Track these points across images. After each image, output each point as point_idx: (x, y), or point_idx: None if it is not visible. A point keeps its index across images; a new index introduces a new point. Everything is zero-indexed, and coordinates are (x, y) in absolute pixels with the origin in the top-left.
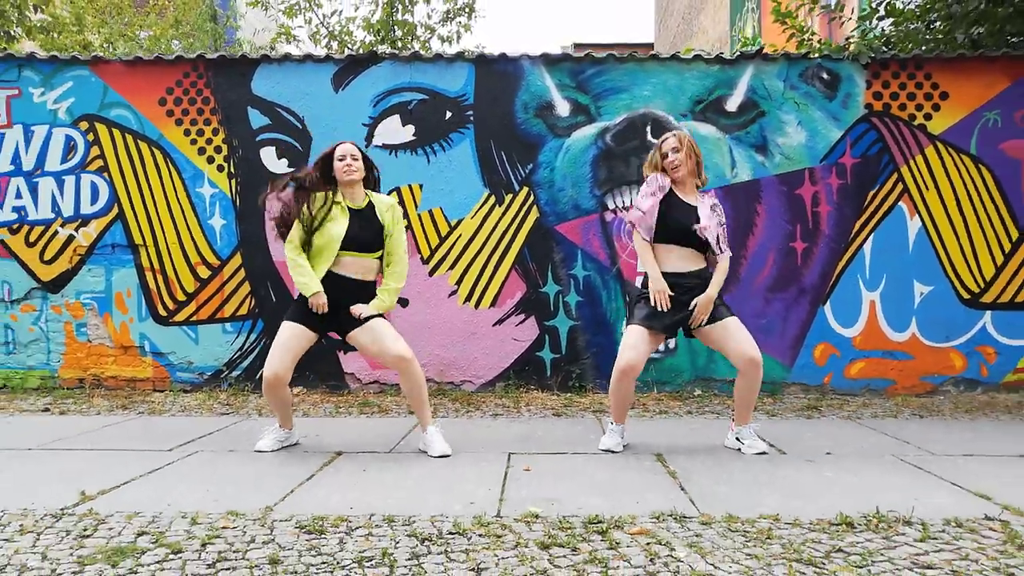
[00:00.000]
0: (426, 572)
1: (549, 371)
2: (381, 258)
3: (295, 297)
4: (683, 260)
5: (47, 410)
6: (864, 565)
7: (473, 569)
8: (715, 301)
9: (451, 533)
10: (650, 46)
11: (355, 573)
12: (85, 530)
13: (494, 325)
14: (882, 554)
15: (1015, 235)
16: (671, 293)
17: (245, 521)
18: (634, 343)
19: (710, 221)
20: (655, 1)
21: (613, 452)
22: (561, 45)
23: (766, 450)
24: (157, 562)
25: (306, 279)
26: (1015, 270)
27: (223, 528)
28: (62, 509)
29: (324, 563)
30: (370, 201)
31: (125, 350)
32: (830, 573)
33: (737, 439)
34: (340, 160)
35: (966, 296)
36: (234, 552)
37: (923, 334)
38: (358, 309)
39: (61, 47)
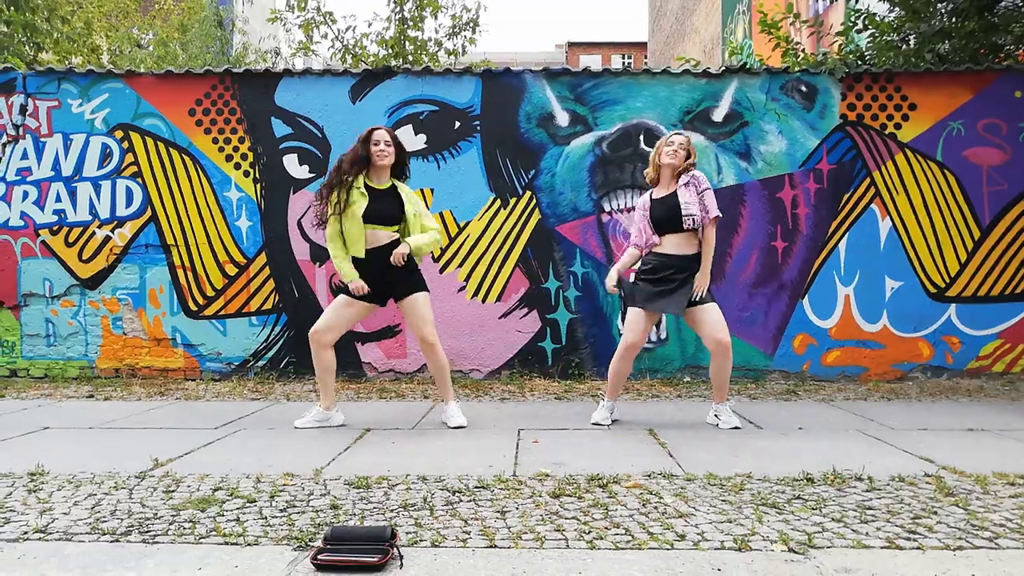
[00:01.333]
0: (459, 513)
1: (551, 360)
2: (401, 231)
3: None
4: (677, 245)
5: (91, 396)
6: (818, 507)
7: (498, 511)
8: (709, 288)
9: (476, 487)
10: (643, 46)
11: (402, 515)
12: (168, 487)
13: (500, 318)
14: (834, 500)
15: (977, 234)
16: (667, 272)
17: (301, 480)
18: (635, 323)
19: (690, 198)
20: (648, 1)
21: (601, 425)
22: (555, 44)
23: (740, 425)
24: (237, 508)
25: (345, 268)
26: (977, 266)
27: (284, 485)
28: (142, 472)
29: (375, 508)
30: (393, 184)
31: (158, 342)
32: (789, 512)
33: (715, 415)
34: (375, 144)
35: (933, 290)
36: (299, 501)
37: (893, 325)
38: (401, 250)
39: (73, 53)
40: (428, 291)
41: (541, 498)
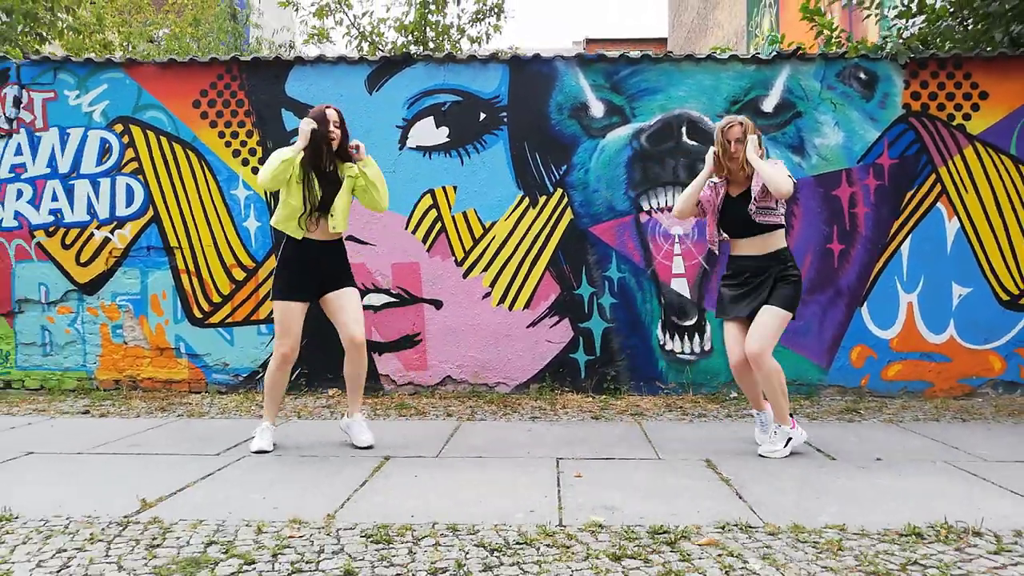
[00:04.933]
0: None
1: (584, 373)
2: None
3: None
4: (752, 247)
5: (87, 412)
6: None
7: None
8: (781, 281)
9: (518, 543)
10: (664, 41)
11: None
12: (154, 539)
13: (528, 327)
14: (959, 567)
15: None
16: (745, 275)
17: (310, 530)
18: (730, 340)
19: (756, 185)
20: None
21: (767, 458)
22: (573, 40)
23: (784, 454)
24: (232, 573)
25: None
26: None
27: (290, 537)
28: (126, 517)
29: (399, 575)
30: (335, 167)
31: (161, 352)
32: None
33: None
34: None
35: (1005, 298)
36: (306, 563)
37: (961, 336)
38: (357, 143)
39: (83, 48)
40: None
41: (599, 560)
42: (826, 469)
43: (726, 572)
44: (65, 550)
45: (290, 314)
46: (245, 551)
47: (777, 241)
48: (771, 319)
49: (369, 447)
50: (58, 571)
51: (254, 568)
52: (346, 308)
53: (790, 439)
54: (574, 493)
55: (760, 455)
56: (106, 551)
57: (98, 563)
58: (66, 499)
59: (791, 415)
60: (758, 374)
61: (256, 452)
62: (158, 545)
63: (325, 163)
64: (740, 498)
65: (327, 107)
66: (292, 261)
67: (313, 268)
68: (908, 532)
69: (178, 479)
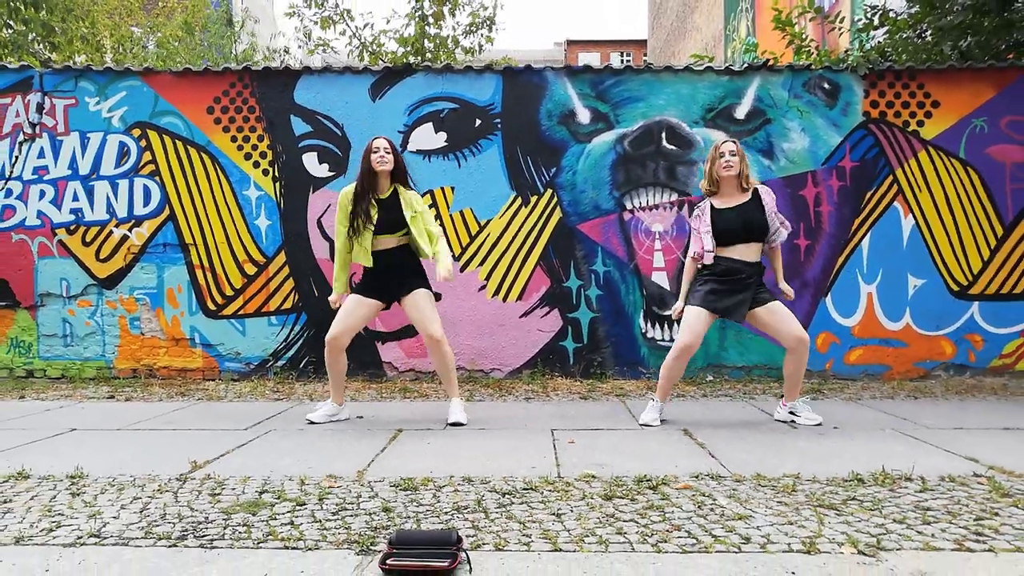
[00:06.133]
0: (515, 516)
1: (572, 359)
2: (407, 234)
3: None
4: (741, 254)
5: (112, 397)
6: (876, 509)
7: (553, 514)
8: (759, 287)
9: (524, 489)
10: (643, 43)
11: (457, 517)
12: (213, 490)
13: (521, 317)
14: (890, 501)
15: (1000, 232)
16: (740, 276)
17: (346, 482)
18: (692, 324)
19: (771, 214)
20: None
21: (650, 426)
22: (555, 42)
23: (821, 421)
24: (288, 511)
25: (338, 284)
26: (1000, 264)
27: (330, 488)
28: (182, 474)
29: (428, 511)
30: (395, 190)
31: (176, 342)
32: (848, 514)
33: (791, 413)
34: (374, 152)
35: (955, 288)
36: (348, 504)
37: (916, 323)
38: (442, 272)
39: (78, 53)
40: (431, 289)
41: (594, 500)
42: (789, 436)
43: (699, 506)
44: (139, 498)
45: (349, 305)
46: (295, 496)
47: (760, 252)
48: (786, 310)
49: (459, 424)
50: (140, 511)
51: (306, 508)
52: (419, 307)
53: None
54: (569, 455)
55: (795, 423)
56: (175, 498)
57: (172, 507)
58: (124, 462)
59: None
60: (803, 354)
61: (310, 422)
62: (218, 494)
63: (378, 189)
64: (712, 456)
65: (376, 138)
66: (367, 272)
67: (384, 276)
68: (852, 479)
69: (217, 448)
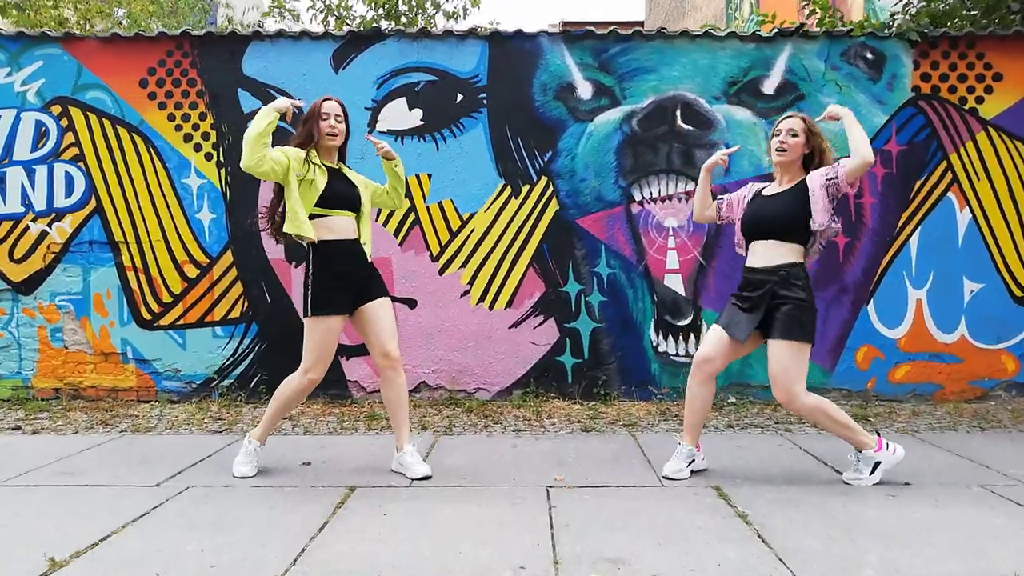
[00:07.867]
0: None
1: (571, 377)
2: (358, 220)
3: (307, 287)
4: (760, 256)
5: (18, 428)
6: None
7: None
8: (792, 314)
9: None
10: (640, 24)
11: None
12: None
13: (510, 328)
14: None
15: None
16: (748, 290)
17: None
18: (709, 338)
19: (823, 203)
20: None
21: (674, 480)
22: (549, 23)
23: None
24: None
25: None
26: None
27: None
28: None
29: None
30: (340, 168)
31: (105, 357)
32: None
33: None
34: (323, 119)
35: (1019, 294)
36: None
37: (973, 335)
38: (381, 142)
39: (35, 25)
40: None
41: None
42: (849, 496)
43: None
44: None
45: (331, 334)
46: None
47: (788, 254)
48: (782, 354)
49: (426, 477)
50: None
51: None
52: (383, 318)
53: (878, 464)
54: (571, 537)
55: (843, 481)
56: None
57: None
58: None
59: (877, 433)
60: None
61: (238, 477)
62: None
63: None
64: (763, 541)
65: (327, 98)
66: (321, 270)
67: (348, 276)
68: None
69: (104, 523)
